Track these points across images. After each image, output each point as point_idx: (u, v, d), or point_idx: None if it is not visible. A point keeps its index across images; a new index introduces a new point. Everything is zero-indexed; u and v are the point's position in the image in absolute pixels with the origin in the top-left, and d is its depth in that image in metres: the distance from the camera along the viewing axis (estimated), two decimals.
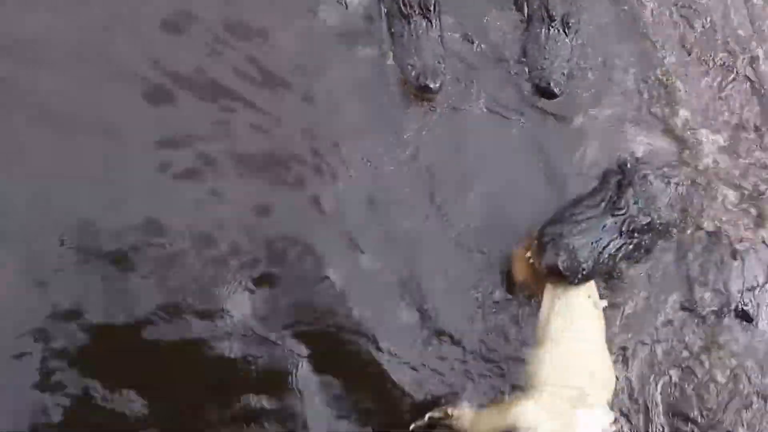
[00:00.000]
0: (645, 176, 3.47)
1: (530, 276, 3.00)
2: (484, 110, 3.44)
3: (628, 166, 3.47)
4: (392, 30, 3.41)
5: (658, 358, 3.28)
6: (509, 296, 3.11)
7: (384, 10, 3.47)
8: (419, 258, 3.07)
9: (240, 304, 2.78)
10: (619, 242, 3.13)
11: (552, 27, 3.70)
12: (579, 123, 3.59)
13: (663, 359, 3.28)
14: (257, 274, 2.83)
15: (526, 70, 3.60)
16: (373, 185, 3.11)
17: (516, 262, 3.06)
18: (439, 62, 3.30)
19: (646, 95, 3.79)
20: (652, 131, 3.70)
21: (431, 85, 3.21)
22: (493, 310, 3.07)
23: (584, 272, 2.94)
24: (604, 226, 3.13)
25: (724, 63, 4.00)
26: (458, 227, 3.17)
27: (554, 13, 3.70)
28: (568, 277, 2.90)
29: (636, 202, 3.25)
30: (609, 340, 3.06)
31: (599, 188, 3.38)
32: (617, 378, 3.03)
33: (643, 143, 3.64)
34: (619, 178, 3.39)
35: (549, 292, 2.97)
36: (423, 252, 3.08)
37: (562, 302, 2.94)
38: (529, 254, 2.99)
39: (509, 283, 3.11)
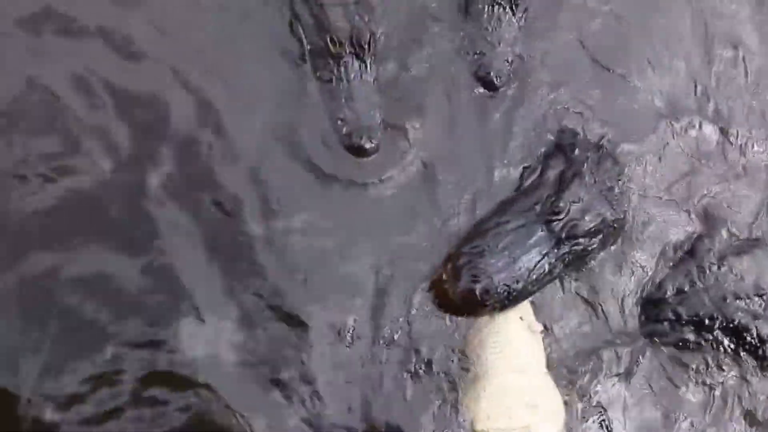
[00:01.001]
0: (598, 161, 3.01)
1: (452, 303, 2.68)
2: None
3: (576, 151, 3.01)
4: (318, 74, 2.98)
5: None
6: (438, 325, 2.77)
7: (308, 47, 3.03)
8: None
9: None
10: (556, 254, 2.73)
11: (497, 4, 3.25)
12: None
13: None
14: None
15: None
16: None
17: (436, 288, 2.74)
18: (374, 113, 2.89)
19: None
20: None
21: (366, 146, 2.85)
22: (422, 342, 2.74)
23: (509, 299, 2.62)
24: (536, 237, 2.72)
25: None
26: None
27: None
28: (487, 307, 2.61)
29: (580, 200, 2.81)
30: (553, 364, 2.81)
31: (536, 184, 2.95)
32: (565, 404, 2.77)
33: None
34: (562, 169, 2.96)
35: (477, 319, 2.75)
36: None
37: (491, 330, 2.72)
38: (444, 279, 2.67)
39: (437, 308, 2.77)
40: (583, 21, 3.50)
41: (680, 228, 3.20)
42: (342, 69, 2.95)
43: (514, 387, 2.65)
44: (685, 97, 3.52)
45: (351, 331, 2.71)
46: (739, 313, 2.94)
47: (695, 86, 3.56)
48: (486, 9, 3.27)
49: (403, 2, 3.25)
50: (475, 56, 3.22)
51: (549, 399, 2.70)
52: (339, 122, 2.89)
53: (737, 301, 2.97)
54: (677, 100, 3.49)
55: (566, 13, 3.49)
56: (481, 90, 3.21)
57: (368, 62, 2.97)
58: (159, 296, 2.62)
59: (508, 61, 3.23)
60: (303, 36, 3.00)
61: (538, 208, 2.81)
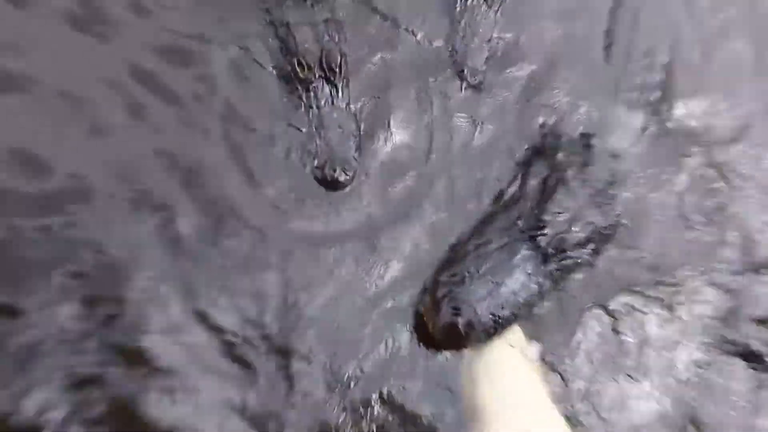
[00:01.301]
0: (584, 163, 2.79)
1: (435, 338, 2.50)
2: None
3: (559, 155, 2.78)
4: (285, 101, 2.74)
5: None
6: (426, 363, 2.57)
7: (273, 72, 2.79)
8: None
9: None
10: (543, 272, 2.52)
11: None
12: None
13: None
14: None
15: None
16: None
17: (417, 323, 2.58)
18: (348, 142, 2.67)
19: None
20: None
21: (341, 179, 2.62)
22: (411, 384, 2.53)
23: (496, 328, 2.42)
24: (520, 256, 2.50)
25: None
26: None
27: None
28: (472, 339, 2.41)
29: (566, 210, 2.60)
30: (555, 391, 2.61)
31: (517, 196, 2.72)
32: None
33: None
34: (545, 176, 2.74)
35: (464, 352, 2.54)
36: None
37: (480, 364, 2.51)
38: (424, 312, 2.50)
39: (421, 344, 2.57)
40: (563, 12, 3.25)
41: (680, 229, 2.97)
42: (312, 95, 2.72)
43: (514, 423, 2.39)
44: (670, 86, 3.22)
45: (333, 379, 2.51)
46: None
47: (682, 74, 3.26)
48: (460, 3, 3.04)
49: (370, 11, 3.02)
50: (449, 53, 3.00)
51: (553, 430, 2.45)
52: (308, 154, 2.68)
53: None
54: (664, 88, 3.20)
55: (545, 3, 3.25)
56: (457, 90, 2.98)
57: (340, 86, 2.77)
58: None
59: (484, 58, 3.01)
60: (269, 59, 2.75)
61: (520, 223, 2.60)
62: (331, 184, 2.64)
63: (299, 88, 2.71)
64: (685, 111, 3.16)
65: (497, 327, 2.43)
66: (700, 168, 3.07)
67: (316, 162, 2.65)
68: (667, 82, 3.18)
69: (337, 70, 2.73)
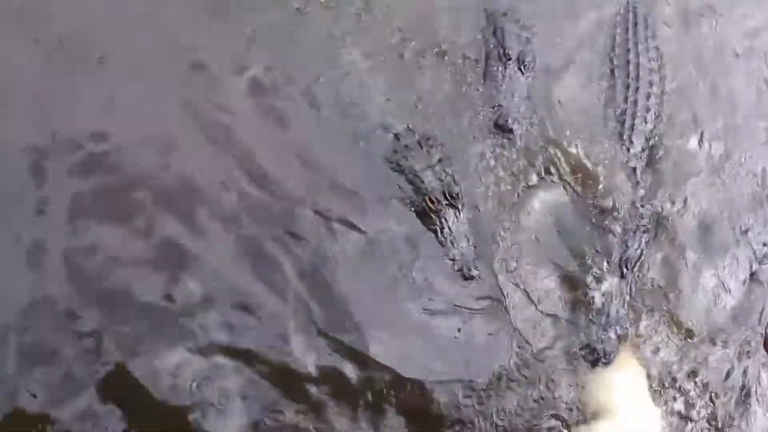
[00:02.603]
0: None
1: None
2: None
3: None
4: (427, 227, 3.76)
5: None
6: None
7: (411, 210, 3.84)
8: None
9: None
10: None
11: (508, 66, 4.11)
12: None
13: None
14: None
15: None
16: None
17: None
18: (472, 248, 3.74)
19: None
20: None
21: (473, 273, 3.67)
22: None
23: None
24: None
25: None
26: None
27: (510, 53, 4.09)
28: None
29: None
30: None
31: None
32: None
33: None
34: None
35: None
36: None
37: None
38: None
39: None
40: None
41: None
42: (443, 220, 3.77)
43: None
44: None
45: None
46: None
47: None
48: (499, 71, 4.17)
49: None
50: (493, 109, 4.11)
51: None
52: (452, 262, 3.76)
53: None
54: None
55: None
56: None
57: (461, 207, 3.80)
58: None
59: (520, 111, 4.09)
60: (408, 203, 3.84)
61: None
62: (468, 278, 3.74)
63: (433, 217, 3.80)
64: None
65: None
66: None
67: (456, 266, 3.74)
68: None
69: (457, 196, 3.80)
